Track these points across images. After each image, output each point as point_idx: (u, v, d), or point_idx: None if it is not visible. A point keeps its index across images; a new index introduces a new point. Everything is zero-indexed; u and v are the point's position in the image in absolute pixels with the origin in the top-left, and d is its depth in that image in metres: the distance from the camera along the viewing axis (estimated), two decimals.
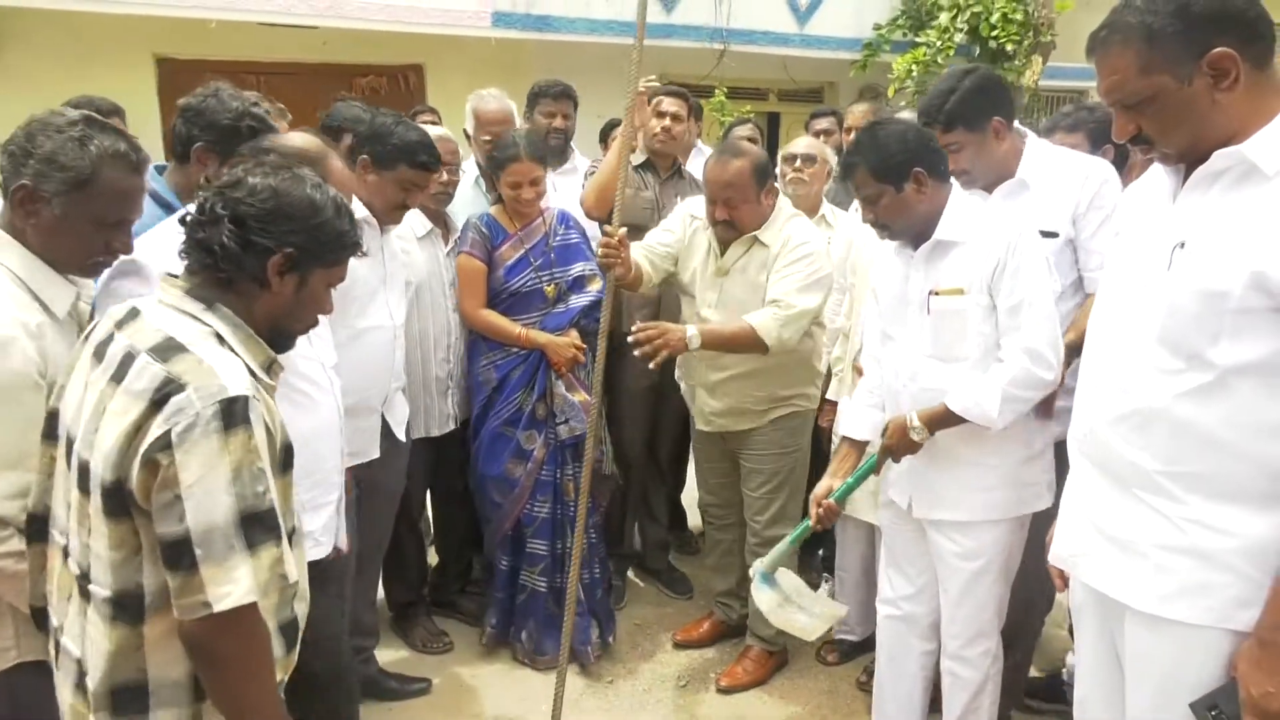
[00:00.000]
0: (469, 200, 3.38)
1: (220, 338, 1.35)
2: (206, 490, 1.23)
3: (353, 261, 2.32)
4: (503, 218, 2.99)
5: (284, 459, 1.40)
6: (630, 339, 2.60)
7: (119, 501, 1.27)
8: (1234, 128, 1.38)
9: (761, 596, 2.39)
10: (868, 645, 3.13)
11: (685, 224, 2.97)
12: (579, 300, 3.02)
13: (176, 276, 1.41)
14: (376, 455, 2.62)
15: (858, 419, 2.41)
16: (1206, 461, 1.42)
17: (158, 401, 1.24)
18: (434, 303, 2.93)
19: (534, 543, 3.03)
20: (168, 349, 1.29)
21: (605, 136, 4.35)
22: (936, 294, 2.14)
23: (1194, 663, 1.47)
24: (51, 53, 6.51)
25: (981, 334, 2.11)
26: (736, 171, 2.70)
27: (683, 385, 3.13)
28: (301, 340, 1.80)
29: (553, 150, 3.63)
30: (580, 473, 3.03)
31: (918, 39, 7.74)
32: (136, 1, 6.25)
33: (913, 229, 2.17)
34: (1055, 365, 2.07)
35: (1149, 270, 1.49)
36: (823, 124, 4.57)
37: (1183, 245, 1.43)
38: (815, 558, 3.75)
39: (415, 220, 2.92)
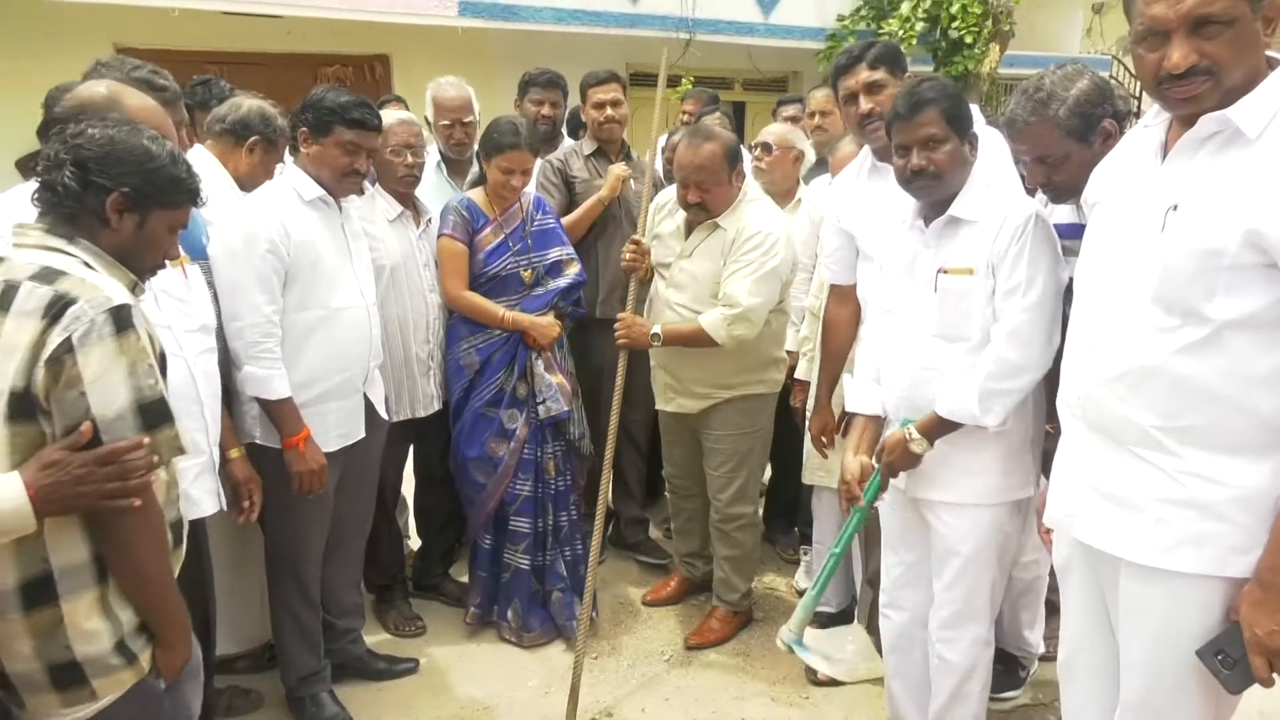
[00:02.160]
0: (431, 184, 3.41)
1: (88, 265, 1.51)
2: (109, 384, 1.41)
3: (315, 241, 2.46)
4: (483, 202, 3.02)
5: (161, 366, 1.57)
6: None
7: (25, 405, 1.40)
8: (1250, 79, 1.45)
9: (809, 659, 2.49)
10: (845, 617, 3.22)
11: (651, 214, 3.12)
12: (556, 284, 3.07)
13: (27, 225, 1.54)
14: (363, 435, 2.65)
15: (865, 394, 2.38)
16: (1203, 414, 1.50)
17: (55, 315, 1.39)
18: (410, 284, 2.95)
19: (516, 520, 3.07)
20: (49, 275, 1.44)
21: (569, 124, 4.39)
22: (945, 272, 2.12)
23: (1191, 612, 1.55)
24: (9, 41, 6.39)
25: (985, 316, 2.08)
26: (709, 155, 2.79)
27: (652, 363, 3.24)
28: (147, 304, 1.88)
29: (541, 137, 3.68)
30: (561, 451, 3.12)
31: (880, 29, 7.87)
32: None
33: (951, 190, 2.12)
34: (1042, 350, 2.03)
35: (1141, 233, 1.56)
36: (790, 110, 4.70)
37: (1175, 207, 1.50)
38: (791, 534, 3.84)
39: (385, 204, 2.94)
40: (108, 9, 6.31)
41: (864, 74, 2.51)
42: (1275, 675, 1.48)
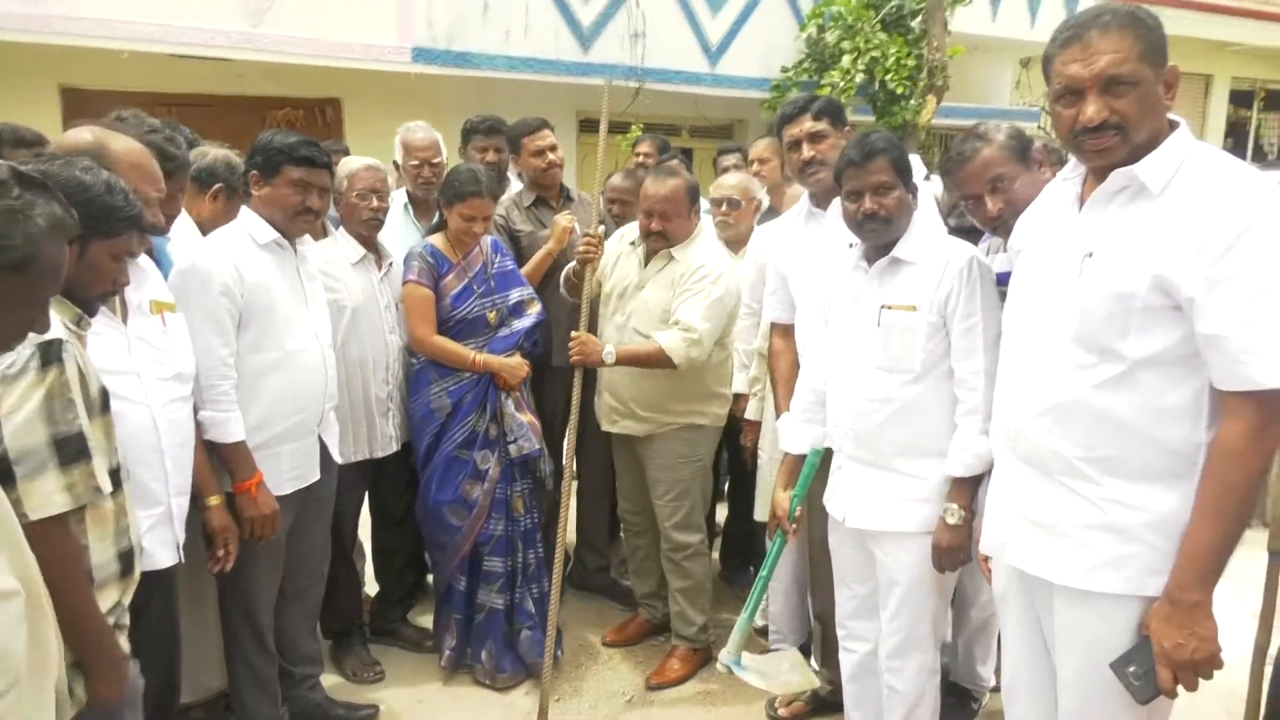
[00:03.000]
0: (399, 226, 3.48)
1: None
2: (24, 416, 1.45)
3: (270, 284, 2.49)
4: (445, 247, 3.08)
5: (101, 401, 1.61)
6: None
7: None
8: (1154, 138, 1.61)
9: (746, 678, 2.64)
10: (803, 653, 3.27)
11: (616, 242, 3.26)
12: (520, 324, 3.14)
13: None
14: (318, 477, 2.65)
15: (796, 434, 2.54)
16: (1120, 445, 1.62)
17: None
18: (371, 326, 2.99)
19: (490, 560, 3.09)
20: None
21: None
22: (889, 308, 2.25)
23: (1113, 630, 1.66)
24: None
25: (926, 350, 2.21)
26: (673, 188, 3.02)
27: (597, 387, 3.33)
28: (118, 350, 1.92)
29: None
30: (528, 489, 3.16)
31: (821, 80, 8.15)
32: (44, 30, 6.07)
33: (895, 233, 2.26)
34: None
35: (1061, 278, 1.70)
36: (730, 160, 4.85)
37: (1091, 255, 1.64)
38: (747, 573, 3.89)
39: (348, 247, 2.99)
40: (55, 50, 6.22)
41: (808, 124, 2.69)
42: (1179, 688, 1.59)
